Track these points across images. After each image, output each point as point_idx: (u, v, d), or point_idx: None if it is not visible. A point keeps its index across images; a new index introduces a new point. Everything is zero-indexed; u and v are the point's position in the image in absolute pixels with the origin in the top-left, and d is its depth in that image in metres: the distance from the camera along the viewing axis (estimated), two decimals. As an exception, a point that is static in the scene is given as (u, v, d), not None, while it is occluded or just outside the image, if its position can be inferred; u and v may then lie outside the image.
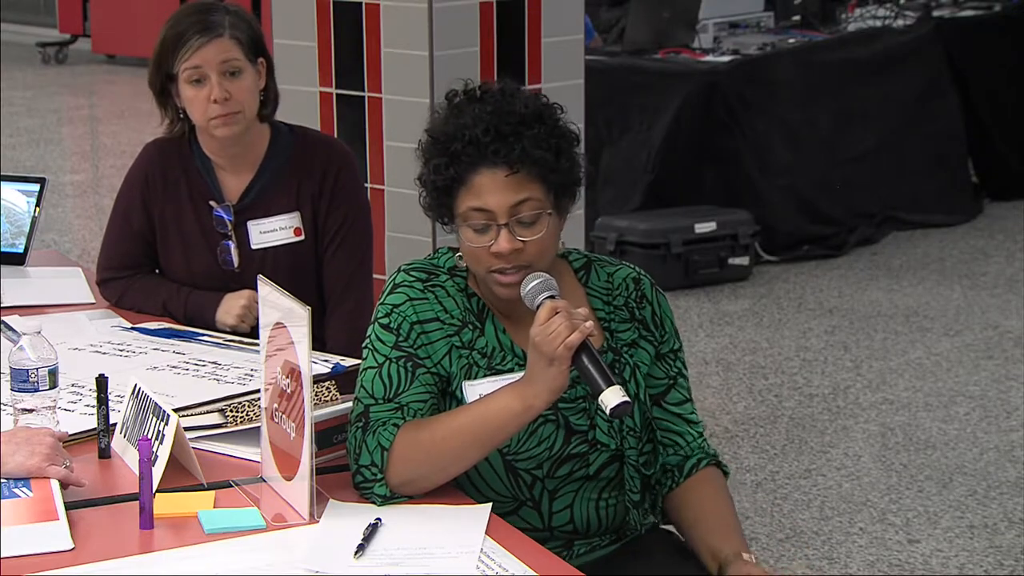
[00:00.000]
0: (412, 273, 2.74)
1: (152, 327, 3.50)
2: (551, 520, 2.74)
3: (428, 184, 2.71)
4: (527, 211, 2.64)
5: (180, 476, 2.68)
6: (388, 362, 2.66)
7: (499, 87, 2.72)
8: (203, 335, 3.44)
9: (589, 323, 2.54)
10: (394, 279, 2.74)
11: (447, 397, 2.70)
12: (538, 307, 2.57)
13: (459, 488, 2.69)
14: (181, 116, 3.58)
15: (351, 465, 2.64)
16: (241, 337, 3.42)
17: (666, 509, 2.83)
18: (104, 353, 3.34)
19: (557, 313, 2.53)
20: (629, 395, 2.56)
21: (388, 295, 2.72)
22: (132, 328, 3.51)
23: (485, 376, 2.70)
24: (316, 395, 2.75)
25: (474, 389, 2.68)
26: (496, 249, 2.63)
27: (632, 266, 2.86)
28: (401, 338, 2.67)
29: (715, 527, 2.72)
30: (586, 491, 2.75)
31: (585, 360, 2.53)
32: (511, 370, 2.70)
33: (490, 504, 2.61)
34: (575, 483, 2.74)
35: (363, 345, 2.72)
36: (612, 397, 2.51)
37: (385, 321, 2.69)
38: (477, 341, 2.71)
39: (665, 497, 2.81)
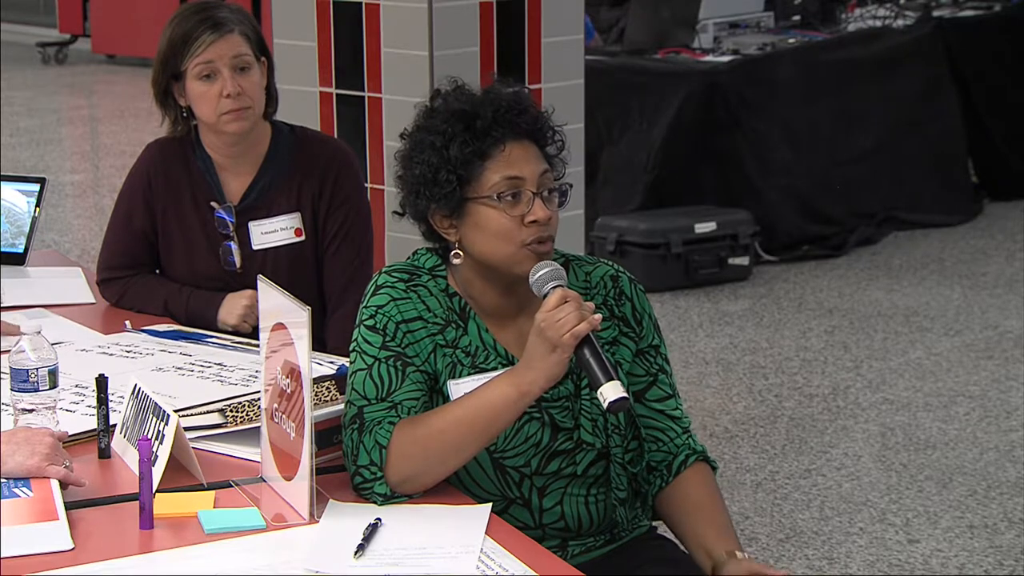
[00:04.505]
0: (394, 274, 2.75)
1: (161, 329, 3.51)
2: (542, 518, 2.75)
3: (441, 167, 2.67)
4: (549, 182, 2.70)
5: (180, 476, 2.68)
6: (377, 363, 2.66)
7: (483, 88, 2.76)
8: (211, 337, 3.44)
9: (598, 316, 2.55)
10: (376, 281, 2.75)
11: (435, 395, 2.71)
12: (546, 295, 2.59)
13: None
14: (184, 115, 3.58)
15: (348, 467, 2.64)
16: (245, 338, 3.43)
17: (657, 508, 2.84)
18: (111, 355, 3.34)
19: (567, 302, 2.54)
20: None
21: (371, 297, 2.73)
22: (140, 331, 3.51)
23: (469, 375, 2.70)
24: (316, 395, 2.75)
25: (459, 388, 2.68)
26: (534, 216, 2.66)
27: (610, 263, 2.86)
28: (388, 338, 2.68)
29: (707, 526, 2.73)
30: (574, 488, 2.76)
31: (587, 352, 2.55)
32: (495, 368, 2.71)
33: (490, 504, 2.61)
34: (563, 480, 2.75)
35: (350, 348, 2.72)
36: (611, 391, 2.52)
37: (370, 323, 2.70)
38: (460, 340, 2.72)
39: (656, 496, 2.82)
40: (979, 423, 5.41)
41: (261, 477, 2.69)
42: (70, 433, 2.80)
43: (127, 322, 3.55)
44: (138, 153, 3.74)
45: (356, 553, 2.41)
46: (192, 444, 2.72)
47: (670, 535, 2.86)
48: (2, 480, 2.59)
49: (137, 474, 2.52)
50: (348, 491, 2.63)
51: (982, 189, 8.56)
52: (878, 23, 8.30)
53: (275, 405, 2.61)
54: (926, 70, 8.15)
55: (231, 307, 3.54)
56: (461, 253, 2.72)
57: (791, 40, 7.84)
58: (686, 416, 2.85)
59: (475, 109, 2.69)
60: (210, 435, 2.85)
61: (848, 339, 6.31)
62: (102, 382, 2.80)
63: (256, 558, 2.42)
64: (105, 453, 2.81)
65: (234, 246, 3.59)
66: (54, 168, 9.73)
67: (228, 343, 3.40)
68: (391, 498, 2.60)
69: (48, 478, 2.60)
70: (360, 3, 4.89)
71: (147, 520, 2.50)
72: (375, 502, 2.60)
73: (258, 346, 2.68)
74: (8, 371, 2.76)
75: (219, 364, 3.22)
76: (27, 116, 11.47)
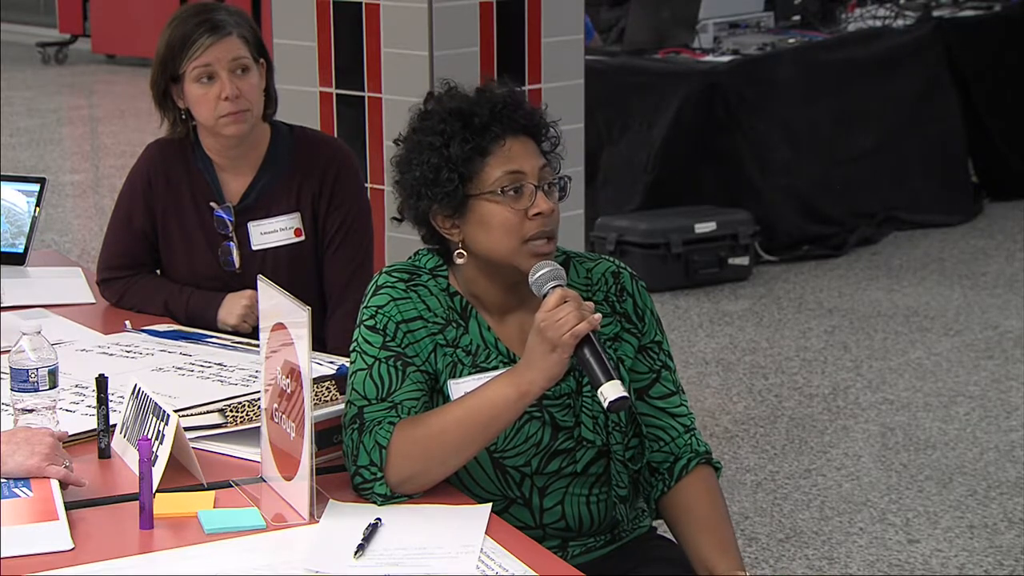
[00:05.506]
0: (394, 274, 2.75)
1: (161, 329, 3.51)
2: (542, 517, 2.75)
3: (442, 166, 2.66)
4: (549, 176, 2.70)
5: (180, 476, 2.68)
6: (378, 363, 2.66)
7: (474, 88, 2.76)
8: (211, 337, 3.45)
9: (598, 315, 2.55)
10: (376, 281, 2.75)
11: (436, 395, 2.70)
12: (545, 294, 2.58)
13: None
14: (183, 118, 3.58)
15: (349, 467, 2.64)
16: (245, 338, 3.43)
17: (659, 513, 2.83)
18: (111, 355, 3.34)
19: (566, 302, 2.54)
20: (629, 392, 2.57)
21: (371, 297, 2.73)
22: (140, 331, 3.51)
23: (470, 374, 2.70)
24: (316, 395, 2.75)
25: (459, 387, 2.68)
26: (538, 209, 2.65)
27: (611, 259, 2.86)
28: (388, 338, 2.68)
29: (709, 541, 2.71)
30: (575, 487, 2.75)
31: (587, 352, 2.54)
32: (495, 367, 2.71)
33: (490, 504, 2.61)
34: (564, 479, 2.75)
35: (351, 349, 2.72)
36: (611, 391, 2.51)
37: (371, 323, 2.70)
38: (461, 339, 2.72)
39: (658, 501, 2.81)
40: (979, 423, 5.41)
41: (261, 477, 2.69)
42: (70, 433, 2.80)
43: (127, 322, 3.56)
44: (138, 153, 3.74)
45: (356, 553, 2.41)
46: (192, 444, 2.72)
47: (671, 535, 2.85)
48: (2, 480, 2.59)
49: (137, 474, 2.52)
50: (348, 491, 2.63)
51: (982, 189, 8.56)
52: (878, 23, 8.30)
53: (275, 405, 2.61)
54: (926, 70, 8.15)
55: (231, 307, 3.55)
56: (465, 253, 2.72)
57: (791, 40, 7.84)
58: (690, 413, 2.84)
59: (471, 107, 2.69)
60: (210, 435, 2.85)
61: (848, 339, 6.31)
62: (102, 382, 2.81)
63: (256, 558, 2.42)
64: (105, 453, 2.80)
65: (233, 246, 3.59)
66: (54, 168, 9.73)
67: (228, 343, 3.40)
68: (391, 498, 2.60)
69: (48, 478, 2.60)
70: (360, 3, 4.89)
71: (147, 520, 2.50)
72: (375, 502, 2.60)
73: (258, 346, 2.68)
74: (8, 371, 2.76)
75: (219, 364, 3.22)
76: (27, 116, 11.47)
